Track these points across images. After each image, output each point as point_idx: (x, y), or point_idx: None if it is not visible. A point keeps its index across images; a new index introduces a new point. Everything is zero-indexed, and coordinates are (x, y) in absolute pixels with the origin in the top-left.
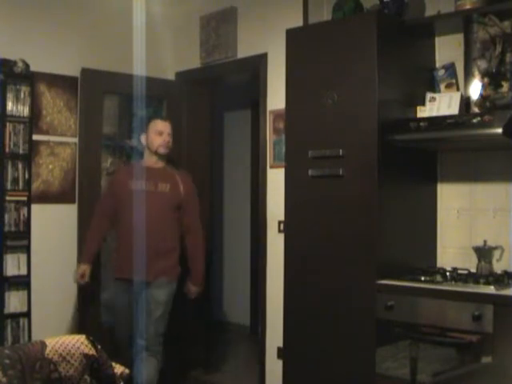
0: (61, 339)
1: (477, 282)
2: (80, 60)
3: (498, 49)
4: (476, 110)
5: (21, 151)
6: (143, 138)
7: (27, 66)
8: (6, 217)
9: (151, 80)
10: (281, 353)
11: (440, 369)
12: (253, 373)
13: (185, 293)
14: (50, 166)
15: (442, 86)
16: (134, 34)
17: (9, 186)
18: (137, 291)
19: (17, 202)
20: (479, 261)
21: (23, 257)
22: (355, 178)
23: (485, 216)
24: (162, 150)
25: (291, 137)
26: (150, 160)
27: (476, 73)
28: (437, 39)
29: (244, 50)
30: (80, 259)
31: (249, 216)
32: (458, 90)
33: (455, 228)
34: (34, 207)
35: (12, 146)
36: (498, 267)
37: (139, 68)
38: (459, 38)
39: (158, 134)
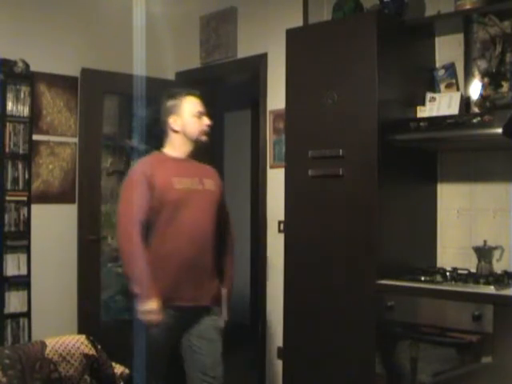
0: (61, 339)
1: (477, 282)
2: (80, 60)
3: (498, 49)
4: (476, 110)
5: (21, 151)
6: (173, 121)
7: (27, 66)
8: (6, 217)
9: (151, 80)
10: (281, 353)
11: (440, 369)
12: (253, 373)
13: None
14: (50, 166)
15: (442, 86)
16: (134, 34)
17: (9, 186)
18: (194, 320)
19: (17, 202)
20: (479, 261)
21: (23, 257)
22: (355, 178)
23: (485, 216)
24: (204, 138)
25: (291, 137)
26: (184, 150)
27: (476, 73)
28: (437, 39)
29: (244, 50)
30: (143, 294)
31: (249, 216)
32: (458, 90)
33: (455, 228)
34: (34, 207)
35: (12, 145)
36: (498, 267)
37: (139, 68)
38: (459, 37)
39: (198, 116)
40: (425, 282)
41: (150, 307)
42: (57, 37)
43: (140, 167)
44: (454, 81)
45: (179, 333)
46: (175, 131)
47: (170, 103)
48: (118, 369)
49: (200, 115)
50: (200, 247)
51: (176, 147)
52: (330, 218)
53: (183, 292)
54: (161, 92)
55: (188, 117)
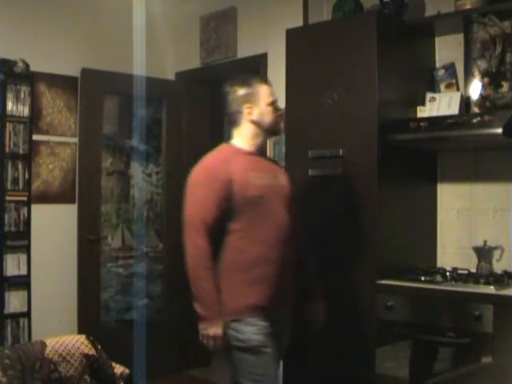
0: (61, 339)
1: (477, 282)
2: (80, 60)
3: (498, 49)
4: (476, 110)
5: (21, 151)
6: (249, 110)
7: (27, 66)
8: (6, 217)
9: (151, 80)
10: None
11: (440, 369)
12: None
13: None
14: (50, 166)
15: (442, 86)
16: (134, 34)
17: (9, 186)
18: (280, 328)
19: (17, 202)
20: (479, 261)
21: (23, 257)
22: (355, 178)
23: (485, 216)
24: (281, 128)
25: (291, 137)
26: (256, 142)
27: (476, 73)
28: (437, 39)
29: (244, 50)
30: (208, 316)
31: None
32: (458, 90)
33: (455, 228)
34: (34, 207)
35: (12, 145)
36: (498, 267)
37: (139, 68)
38: (459, 37)
39: (273, 105)
40: (425, 282)
41: (214, 333)
42: (57, 37)
43: (213, 161)
44: (454, 81)
45: (277, 344)
46: (251, 121)
47: (244, 91)
48: (118, 369)
49: (274, 103)
50: (286, 247)
51: (248, 139)
52: (330, 217)
53: (275, 299)
54: (161, 92)
55: (264, 106)
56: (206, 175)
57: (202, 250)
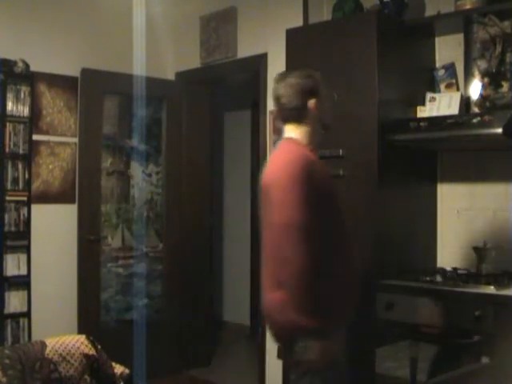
0: (61, 339)
1: (477, 282)
2: (80, 60)
3: (498, 49)
4: (476, 110)
5: (21, 151)
6: (314, 104)
7: (27, 66)
8: (6, 217)
9: (151, 80)
10: (281, 353)
11: (440, 369)
12: (253, 373)
13: None
14: (50, 166)
15: (442, 86)
16: (134, 34)
17: (9, 186)
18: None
19: (17, 202)
20: (479, 261)
21: (23, 257)
22: (355, 178)
23: (485, 216)
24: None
25: None
26: (317, 138)
27: (476, 73)
28: (437, 39)
29: (244, 50)
30: (323, 328)
31: (249, 216)
32: (458, 90)
33: (455, 228)
34: (34, 207)
35: (12, 145)
36: (498, 267)
37: (139, 68)
38: (459, 37)
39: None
40: (425, 282)
41: (329, 349)
42: (57, 37)
43: (303, 158)
44: (454, 81)
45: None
46: (315, 116)
47: (307, 83)
48: (118, 369)
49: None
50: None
51: (310, 135)
52: None
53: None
54: (161, 92)
55: (326, 100)
56: (302, 174)
57: (309, 255)
